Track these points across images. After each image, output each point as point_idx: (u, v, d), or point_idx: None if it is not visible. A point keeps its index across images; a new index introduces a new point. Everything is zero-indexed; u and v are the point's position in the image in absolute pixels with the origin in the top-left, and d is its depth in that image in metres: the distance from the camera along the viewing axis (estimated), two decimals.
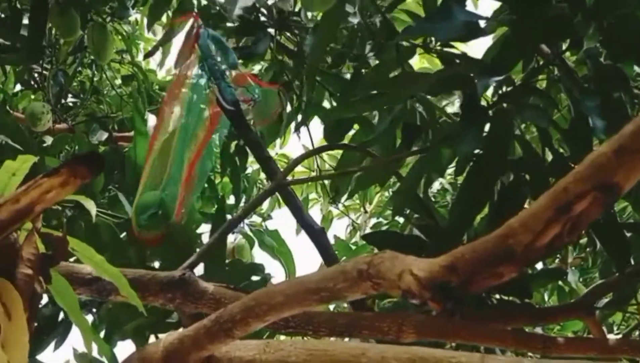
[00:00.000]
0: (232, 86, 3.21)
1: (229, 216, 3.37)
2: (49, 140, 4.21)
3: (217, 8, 3.61)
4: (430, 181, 3.05)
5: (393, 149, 3.00)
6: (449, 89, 2.85)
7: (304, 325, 2.42)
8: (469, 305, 2.78)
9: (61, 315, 3.62)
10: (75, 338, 3.66)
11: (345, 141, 3.40)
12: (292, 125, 4.19)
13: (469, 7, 2.59)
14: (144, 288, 2.43)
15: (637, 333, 3.33)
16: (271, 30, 3.51)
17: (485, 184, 2.61)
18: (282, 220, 5.53)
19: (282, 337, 2.59)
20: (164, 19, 4.41)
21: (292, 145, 4.96)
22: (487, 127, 2.64)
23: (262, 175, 4.88)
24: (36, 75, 4.72)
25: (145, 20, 5.22)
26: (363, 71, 3.33)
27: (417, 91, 2.69)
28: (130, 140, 3.81)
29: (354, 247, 4.68)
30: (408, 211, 3.22)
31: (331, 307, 3.51)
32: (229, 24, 3.60)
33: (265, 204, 5.52)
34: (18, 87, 4.94)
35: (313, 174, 5.29)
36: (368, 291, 1.48)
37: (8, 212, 1.41)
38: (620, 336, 3.49)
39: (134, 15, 5.09)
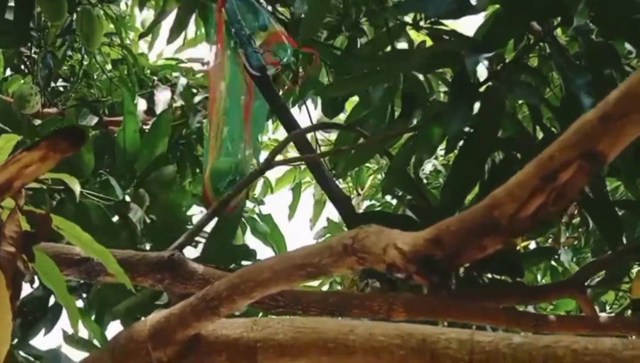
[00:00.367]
0: (258, 52, 3.19)
1: None
2: (38, 123, 4.19)
3: None
4: (421, 160, 3.04)
5: (389, 125, 2.99)
6: (438, 66, 2.83)
7: (294, 304, 2.41)
8: (460, 284, 2.78)
9: (52, 300, 3.61)
10: (67, 323, 3.66)
11: (345, 115, 3.37)
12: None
13: None
14: (132, 269, 2.42)
15: (629, 312, 3.31)
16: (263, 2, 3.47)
17: (476, 163, 2.60)
18: (274, 205, 5.53)
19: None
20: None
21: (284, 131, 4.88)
22: (478, 105, 2.64)
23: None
24: (25, 59, 4.69)
25: (135, 8, 5.22)
26: (358, 41, 3.30)
27: (407, 69, 2.67)
28: (120, 124, 3.79)
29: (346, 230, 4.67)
30: (401, 193, 3.21)
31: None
32: None
33: (258, 189, 5.52)
34: (8, 72, 4.91)
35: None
36: (353, 266, 1.46)
37: None
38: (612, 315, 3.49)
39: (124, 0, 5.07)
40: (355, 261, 1.44)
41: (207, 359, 1.78)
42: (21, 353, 3.64)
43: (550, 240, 4.34)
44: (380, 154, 3.10)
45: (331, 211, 6.13)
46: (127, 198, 3.57)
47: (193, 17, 4.05)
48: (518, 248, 3.50)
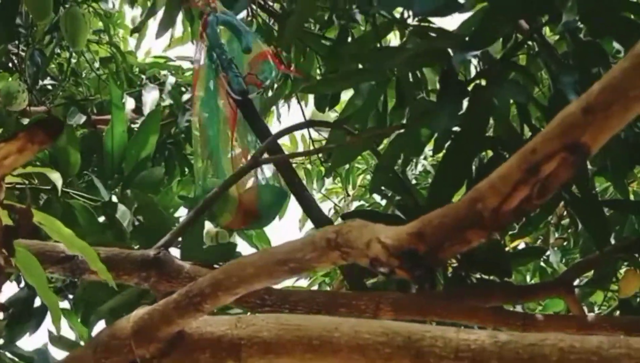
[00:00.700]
0: (239, 76, 3.19)
1: None
2: (25, 122, 4.18)
3: None
4: (408, 159, 3.02)
5: (380, 122, 2.98)
6: (425, 63, 2.82)
7: (281, 303, 2.40)
8: (448, 283, 2.77)
9: (38, 301, 3.59)
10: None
11: (339, 109, 3.36)
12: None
13: None
14: (117, 267, 2.40)
15: (617, 313, 3.31)
16: None
17: (463, 162, 2.59)
18: None
19: None
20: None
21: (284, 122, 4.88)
22: (466, 103, 2.63)
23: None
24: (13, 57, 4.67)
25: (125, 5, 5.19)
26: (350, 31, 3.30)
27: (395, 66, 2.66)
28: (109, 123, 3.77)
29: None
30: (390, 193, 3.20)
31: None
32: None
33: None
34: None
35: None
36: (337, 261, 1.45)
37: None
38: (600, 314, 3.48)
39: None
40: (338, 256, 1.43)
41: (190, 356, 1.77)
42: (7, 354, 3.63)
43: (539, 241, 4.33)
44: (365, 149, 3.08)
45: None
46: (115, 198, 3.55)
47: (181, 15, 4.05)
48: (507, 248, 3.49)
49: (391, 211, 3.20)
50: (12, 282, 3.93)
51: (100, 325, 3.27)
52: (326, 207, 5.95)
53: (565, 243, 4.30)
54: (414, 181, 4.49)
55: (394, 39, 3.97)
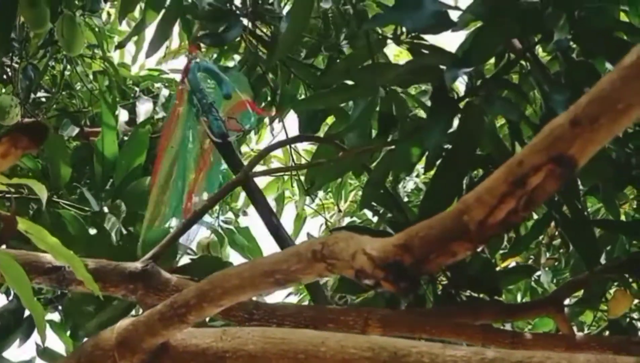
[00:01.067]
0: (219, 119, 3.28)
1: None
2: None
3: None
4: (399, 176, 3.02)
5: (369, 140, 2.98)
6: (418, 80, 2.82)
7: (269, 317, 2.40)
8: (438, 300, 2.76)
9: (27, 312, 3.57)
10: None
11: (321, 135, 3.39)
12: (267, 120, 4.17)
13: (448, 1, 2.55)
14: (105, 279, 2.39)
15: (607, 333, 3.30)
16: (245, 21, 3.49)
17: (454, 180, 2.59)
18: (257, 216, 5.49)
19: None
20: (136, 12, 4.37)
21: (267, 142, 4.89)
22: (457, 122, 2.63)
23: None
24: (7, 69, 4.66)
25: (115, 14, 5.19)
26: (338, 60, 3.31)
27: (386, 82, 2.66)
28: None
29: None
30: (381, 210, 3.20)
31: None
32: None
33: (241, 201, 5.50)
34: None
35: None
36: (323, 273, 1.44)
37: None
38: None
39: (107, 9, 5.04)
40: (324, 268, 1.42)
41: None
42: None
43: (530, 261, 4.33)
44: (358, 169, 3.08)
45: (311, 227, 6.13)
46: (106, 209, 3.54)
47: (177, 29, 4.05)
48: (498, 267, 3.49)
49: (382, 228, 3.19)
50: (1, 294, 3.91)
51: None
52: (317, 222, 5.96)
53: (556, 263, 4.29)
54: (405, 199, 4.49)
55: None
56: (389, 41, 3.00)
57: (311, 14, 3.09)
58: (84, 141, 4.48)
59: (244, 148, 5.22)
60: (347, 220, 5.58)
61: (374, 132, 3.02)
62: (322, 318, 2.40)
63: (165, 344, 1.74)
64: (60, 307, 3.75)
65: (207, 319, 2.71)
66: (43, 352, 3.58)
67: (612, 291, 3.09)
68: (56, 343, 3.80)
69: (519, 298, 4.28)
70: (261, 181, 5.60)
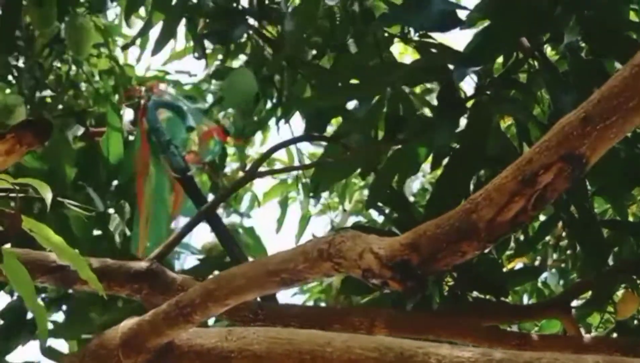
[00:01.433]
0: (177, 154, 3.40)
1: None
2: None
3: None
4: (405, 176, 3.00)
5: (375, 140, 2.96)
6: (425, 79, 2.81)
7: (274, 318, 2.38)
8: (444, 301, 2.74)
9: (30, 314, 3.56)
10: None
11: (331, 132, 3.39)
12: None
13: None
14: (110, 278, 2.37)
15: (614, 335, 3.28)
16: (251, 21, 3.48)
17: (461, 180, 2.57)
18: (261, 219, 5.51)
19: None
20: (142, 12, 4.36)
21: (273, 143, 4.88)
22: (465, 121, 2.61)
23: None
24: (13, 68, 4.64)
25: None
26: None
27: (393, 81, 2.64)
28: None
29: None
30: (387, 210, 3.18)
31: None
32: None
33: (245, 203, 5.49)
34: None
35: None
36: (329, 272, 1.42)
37: None
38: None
39: (113, 10, 5.03)
40: (331, 267, 1.40)
41: None
42: None
43: (537, 262, 4.30)
44: (365, 169, 3.06)
45: (316, 227, 6.11)
46: (111, 210, 3.53)
47: (183, 29, 4.05)
48: (505, 268, 3.47)
49: (388, 228, 3.18)
50: (6, 293, 3.90)
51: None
52: (323, 222, 5.93)
53: (563, 265, 4.27)
54: (411, 199, 4.47)
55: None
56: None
57: (317, 14, 3.08)
58: (88, 141, 4.46)
59: (248, 151, 5.22)
60: (352, 220, 5.56)
61: (380, 133, 3.00)
62: (327, 318, 2.39)
63: (170, 344, 1.73)
64: (64, 307, 3.73)
65: (213, 319, 2.71)
66: (47, 350, 3.57)
67: (619, 292, 3.07)
68: (60, 341, 3.80)
69: (525, 300, 4.26)
70: (265, 185, 5.62)
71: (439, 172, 2.87)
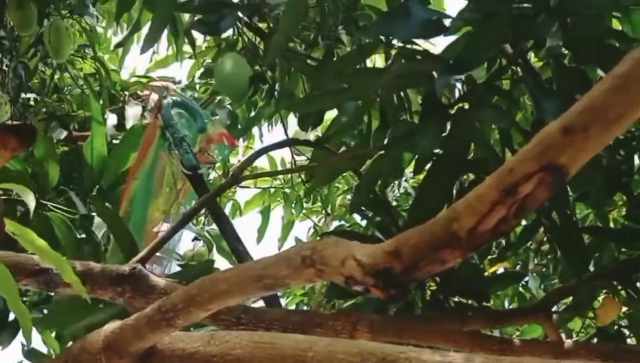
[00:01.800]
0: (189, 152, 3.46)
1: None
2: None
3: None
4: (388, 180, 3.01)
5: (361, 142, 2.97)
6: (409, 85, 2.82)
7: (257, 322, 2.38)
8: (426, 306, 2.75)
9: (12, 314, 3.55)
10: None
11: (322, 130, 3.40)
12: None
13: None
14: (92, 281, 2.38)
15: (595, 340, 3.30)
16: (241, 15, 3.49)
17: (444, 185, 2.58)
18: (242, 228, 5.50)
19: None
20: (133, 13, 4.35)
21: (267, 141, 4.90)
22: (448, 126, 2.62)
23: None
24: None
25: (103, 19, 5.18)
26: (335, 52, 3.32)
27: (378, 87, 2.65)
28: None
29: None
30: (370, 214, 3.19)
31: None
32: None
33: (227, 211, 5.49)
34: None
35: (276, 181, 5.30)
36: (311, 279, 1.43)
37: None
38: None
39: (95, 13, 5.01)
40: (313, 274, 1.41)
41: None
42: None
43: (518, 266, 4.32)
44: (350, 173, 3.08)
45: (299, 231, 6.12)
46: (93, 213, 3.53)
47: (165, 35, 4.05)
48: (486, 273, 3.48)
49: (371, 232, 3.19)
50: None
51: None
52: (305, 227, 5.95)
53: (544, 269, 4.29)
54: (394, 203, 4.48)
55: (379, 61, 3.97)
56: None
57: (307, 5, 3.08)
58: (72, 144, 4.45)
59: (232, 159, 5.22)
60: (335, 224, 5.57)
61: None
62: (310, 322, 2.39)
63: (153, 348, 1.74)
64: (45, 310, 3.73)
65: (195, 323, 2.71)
66: (29, 352, 3.56)
67: (600, 298, 3.09)
68: (40, 343, 3.79)
69: (507, 304, 4.28)
70: (246, 194, 5.63)
71: (422, 176, 2.88)
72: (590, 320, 3.31)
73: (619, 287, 2.85)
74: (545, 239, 3.82)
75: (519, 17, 2.47)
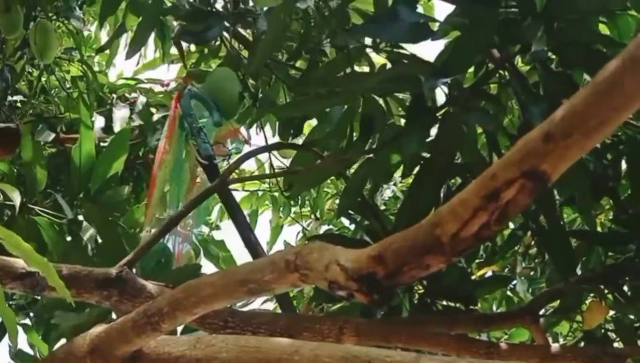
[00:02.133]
0: (207, 142, 3.49)
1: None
2: None
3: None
4: (377, 184, 3.02)
5: (348, 146, 2.98)
6: (396, 89, 2.82)
7: (244, 325, 2.39)
8: (413, 309, 2.76)
9: None
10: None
11: (304, 136, 3.42)
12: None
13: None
14: (79, 285, 2.37)
15: (582, 344, 3.31)
16: (227, 23, 3.51)
17: (431, 188, 2.59)
18: (230, 231, 5.50)
19: None
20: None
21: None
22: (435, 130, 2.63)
23: None
24: None
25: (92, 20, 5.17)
26: (319, 63, 3.33)
27: (364, 91, 2.66)
28: (77, 141, 3.75)
29: None
30: (359, 218, 3.19)
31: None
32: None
33: (214, 215, 5.49)
34: None
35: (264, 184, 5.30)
36: (296, 283, 1.44)
37: None
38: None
39: (82, 16, 5.01)
40: (297, 278, 1.41)
41: None
42: None
43: (506, 270, 4.33)
44: (337, 176, 3.09)
45: (288, 235, 6.12)
46: (81, 217, 3.52)
47: (152, 37, 4.05)
48: (474, 276, 3.49)
49: (360, 236, 3.19)
50: None
51: (61, 343, 3.24)
52: (294, 230, 5.95)
53: (532, 273, 4.29)
54: (383, 207, 4.48)
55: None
56: None
57: (291, 16, 3.09)
58: (59, 147, 4.45)
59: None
60: (324, 228, 5.57)
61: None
62: (297, 326, 2.40)
63: (139, 352, 1.74)
64: (31, 314, 3.72)
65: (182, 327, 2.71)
66: (16, 354, 3.55)
67: (587, 302, 3.10)
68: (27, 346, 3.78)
69: (494, 308, 4.29)
70: (236, 197, 5.63)
71: (410, 180, 2.89)
72: (577, 323, 3.31)
73: (606, 291, 2.86)
74: (532, 242, 3.83)
75: (505, 22, 2.48)
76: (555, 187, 2.60)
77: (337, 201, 5.28)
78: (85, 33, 5.17)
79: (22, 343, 3.69)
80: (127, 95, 4.87)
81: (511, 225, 3.13)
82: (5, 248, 1.69)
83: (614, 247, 2.93)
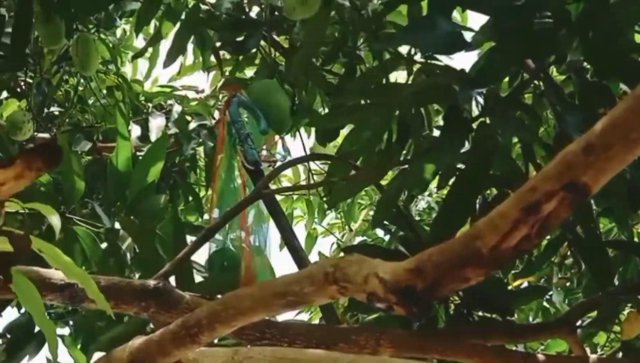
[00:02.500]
0: (254, 148, 3.62)
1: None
2: None
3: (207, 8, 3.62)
4: (412, 195, 3.01)
5: (383, 156, 2.98)
6: (431, 100, 2.82)
7: (280, 336, 2.38)
8: (450, 321, 2.75)
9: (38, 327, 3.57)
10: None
11: (340, 141, 3.45)
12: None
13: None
14: (117, 296, 2.38)
15: (620, 355, 3.28)
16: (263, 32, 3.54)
17: (467, 199, 2.58)
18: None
19: None
20: (151, 27, 4.39)
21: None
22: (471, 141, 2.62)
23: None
24: (22, 83, 4.66)
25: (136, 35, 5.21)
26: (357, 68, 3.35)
27: (400, 102, 2.66)
28: (114, 150, 3.78)
29: None
30: (393, 229, 3.19)
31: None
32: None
33: (250, 219, 5.49)
34: (5, 94, 4.87)
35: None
36: (334, 296, 1.44)
37: None
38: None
39: (123, 26, 5.06)
40: (336, 291, 1.42)
41: None
42: None
43: (542, 280, 4.31)
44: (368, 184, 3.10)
45: (323, 245, 6.12)
46: (118, 226, 3.54)
47: (191, 44, 4.08)
48: (510, 287, 3.48)
49: (394, 247, 3.19)
50: (13, 308, 3.91)
51: (100, 354, 3.26)
52: (328, 242, 5.94)
53: (568, 283, 4.27)
54: (417, 217, 4.48)
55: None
56: None
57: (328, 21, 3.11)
58: (96, 156, 4.49)
59: None
60: (358, 239, 5.56)
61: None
62: (333, 337, 2.39)
63: None
64: (71, 322, 3.74)
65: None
66: None
67: (625, 312, 3.07)
68: (66, 356, 3.81)
69: (531, 319, 4.27)
70: None
71: (444, 191, 2.88)
72: (614, 334, 3.28)
73: None
74: (569, 253, 3.81)
75: (539, 32, 2.47)
76: (592, 197, 2.59)
77: (371, 211, 5.29)
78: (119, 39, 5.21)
79: (62, 354, 3.72)
80: (162, 103, 4.91)
81: (548, 236, 3.11)
82: (44, 259, 1.70)
83: None
